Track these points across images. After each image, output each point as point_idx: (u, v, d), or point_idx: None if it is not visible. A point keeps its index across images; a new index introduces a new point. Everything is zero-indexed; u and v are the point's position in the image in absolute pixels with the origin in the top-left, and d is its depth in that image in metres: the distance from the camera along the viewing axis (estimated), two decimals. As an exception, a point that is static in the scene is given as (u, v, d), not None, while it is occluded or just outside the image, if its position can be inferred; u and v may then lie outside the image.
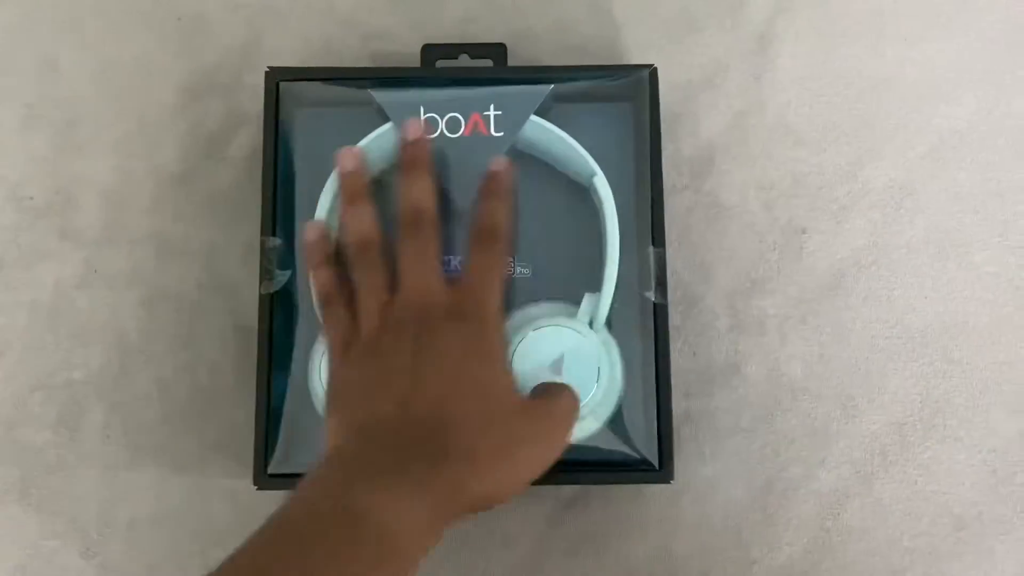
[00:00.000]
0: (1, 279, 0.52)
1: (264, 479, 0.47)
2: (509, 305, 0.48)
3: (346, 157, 0.46)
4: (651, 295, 0.48)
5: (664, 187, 0.50)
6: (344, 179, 0.46)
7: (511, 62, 0.52)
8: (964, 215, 0.53)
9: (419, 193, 0.44)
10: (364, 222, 0.45)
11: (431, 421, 0.39)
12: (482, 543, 0.50)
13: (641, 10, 0.55)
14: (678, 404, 0.51)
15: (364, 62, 0.55)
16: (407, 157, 0.46)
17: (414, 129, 0.46)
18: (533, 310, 0.48)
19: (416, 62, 0.52)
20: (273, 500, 0.49)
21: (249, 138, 0.54)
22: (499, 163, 0.46)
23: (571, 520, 0.50)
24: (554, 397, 0.43)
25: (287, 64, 0.50)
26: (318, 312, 0.45)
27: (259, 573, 0.33)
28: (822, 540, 0.50)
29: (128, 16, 0.55)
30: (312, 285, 0.46)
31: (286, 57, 0.54)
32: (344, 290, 0.44)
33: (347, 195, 0.46)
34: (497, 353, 0.43)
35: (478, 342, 0.42)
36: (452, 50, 0.52)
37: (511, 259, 0.48)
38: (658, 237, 0.48)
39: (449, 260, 0.49)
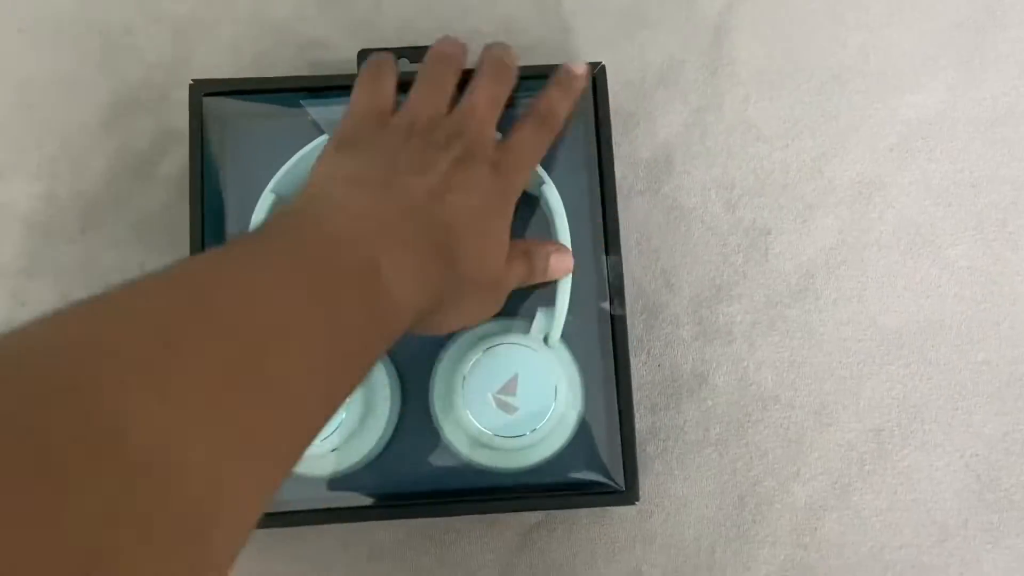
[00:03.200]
0: (-81, 317, 0.49)
1: None
2: None
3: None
4: (607, 306, 0.45)
5: (621, 190, 0.48)
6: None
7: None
8: (936, 208, 0.51)
9: (510, 61, 0.44)
10: (454, 45, 0.44)
11: (445, 234, 0.37)
12: (442, 576, 0.47)
13: (590, 5, 0.52)
14: (644, 419, 0.49)
15: (301, 72, 0.52)
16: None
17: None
18: (484, 328, 0.45)
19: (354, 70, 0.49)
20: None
21: (180, 157, 0.50)
22: (580, 67, 0.45)
23: (535, 547, 0.48)
24: (536, 251, 0.43)
25: (218, 77, 0.47)
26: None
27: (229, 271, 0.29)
28: (800, 557, 0.47)
29: (46, 31, 0.52)
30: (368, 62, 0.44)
31: (216, 70, 0.51)
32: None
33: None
34: (508, 218, 0.41)
35: (502, 200, 0.40)
36: (390, 55, 0.49)
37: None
38: (612, 245, 0.46)
39: None
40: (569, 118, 0.44)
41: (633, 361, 0.49)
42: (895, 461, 0.48)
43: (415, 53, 0.49)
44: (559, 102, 0.43)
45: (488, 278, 0.40)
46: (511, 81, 0.43)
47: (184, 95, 0.48)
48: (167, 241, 0.50)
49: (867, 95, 0.52)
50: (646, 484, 0.48)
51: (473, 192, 0.38)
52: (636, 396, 0.49)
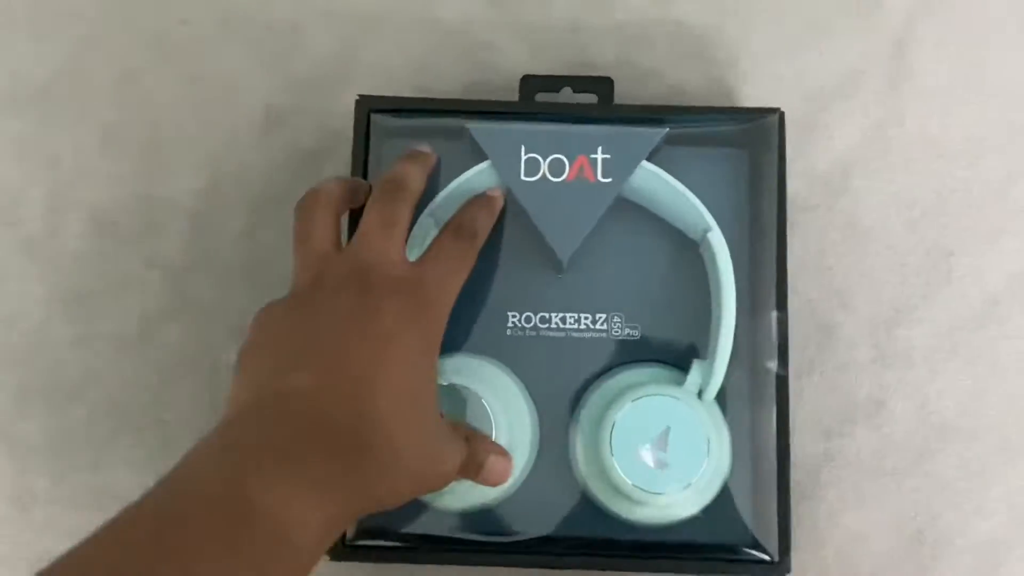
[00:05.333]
0: (85, 310, 0.49)
1: (341, 549, 0.42)
2: (609, 366, 0.43)
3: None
4: (772, 365, 0.43)
5: (794, 203, 0.46)
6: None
7: (618, 88, 0.47)
8: None
9: (409, 170, 0.41)
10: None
11: (351, 406, 0.34)
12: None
13: (770, 12, 0.51)
14: (816, 444, 0.47)
15: (463, 78, 0.50)
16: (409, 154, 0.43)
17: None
18: (633, 376, 0.43)
19: (516, 84, 0.47)
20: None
21: (342, 156, 0.49)
22: (494, 191, 0.43)
23: None
24: (476, 445, 0.39)
25: (381, 79, 0.46)
26: None
27: (130, 561, 0.28)
28: (982, 596, 0.45)
29: (214, 26, 0.51)
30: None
31: (381, 69, 0.50)
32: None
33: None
34: (436, 351, 0.37)
35: (424, 330, 0.36)
36: (554, 82, 0.47)
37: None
38: (781, 300, 0.43)
39: (549, 316, 0.44)
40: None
41: (804, 382, 0.47)
42: (1083, 499, 0.46)
43: (579, 82, 0.47)
44: (480, 217, 0.42)
45: (417, 451, 0.35)
46: (408, 197, 0.40)
47: (348, 95, 0.47)
48: (329, 242, 0.49)
49: (1056, 114, 0.50)
50: (819, 511, 0.46)
51: (378, 333, 0.35)
52: (807, 418, 0.47)
